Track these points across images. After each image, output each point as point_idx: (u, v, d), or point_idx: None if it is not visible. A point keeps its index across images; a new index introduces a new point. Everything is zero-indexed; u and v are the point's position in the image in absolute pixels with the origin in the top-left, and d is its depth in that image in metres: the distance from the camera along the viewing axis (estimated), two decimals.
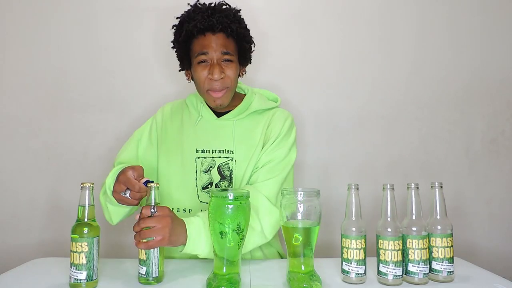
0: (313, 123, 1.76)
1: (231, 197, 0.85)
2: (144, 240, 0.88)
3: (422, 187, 0.98)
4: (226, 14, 1.12)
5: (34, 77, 1.71)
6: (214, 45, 1.11)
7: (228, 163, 1.17)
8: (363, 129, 1.78)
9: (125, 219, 1.16)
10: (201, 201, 1.18)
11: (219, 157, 1.18)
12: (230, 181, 1.17)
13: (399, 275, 0.91)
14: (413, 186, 0.96)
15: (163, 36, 1.74)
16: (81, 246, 0.85)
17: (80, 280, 0.85)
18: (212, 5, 1.16)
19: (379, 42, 1.80)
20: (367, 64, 1.79)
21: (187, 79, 1.25)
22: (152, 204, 0.91)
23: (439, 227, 0.95)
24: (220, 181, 1.18)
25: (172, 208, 1.17)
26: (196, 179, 1.18)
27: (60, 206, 1.68)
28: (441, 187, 0.98)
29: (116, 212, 1.10)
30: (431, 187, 0.98)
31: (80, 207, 0.88)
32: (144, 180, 0.95)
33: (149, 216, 0.90)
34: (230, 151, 1.18)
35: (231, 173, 1.17)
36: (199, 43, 1.13)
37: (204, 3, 1.17)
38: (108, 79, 1.73)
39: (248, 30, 1.20)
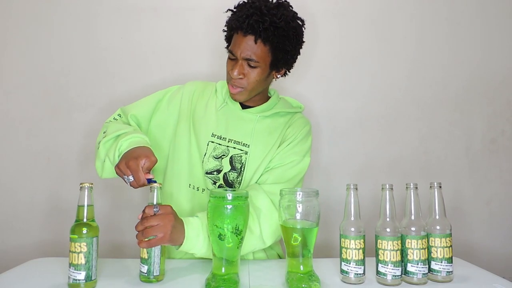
0: (313, 123, 1.75)
1: (230, 198, 0.85)
2: (146, 239, 0.88)
3: (421, 187, 0.98)
4: (264, 19, 1.04)
5: (34, 77, 1.71)
6: (240, 47, 1.08)
7: (241, 156, 1.17)
8: (363, 129, 1.78)
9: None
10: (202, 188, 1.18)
11: (234, 147, 1.17)
12: (239, 174, 1.17)
13: (398, 275, 0.91)
14: (412, 186, 0.95)
15: (163, 36, 1.75)
16: (80, 246, 0.85)
17: (79, 280, 0.85)
18: (262, 4, 1.07)
19: (379, 42, 1.80)
20: (367, 64, 1.79)
21: None
22: (154, 203, 0.92)
23: (438, 227, 0.95)
24: (229, 171, 1.17)
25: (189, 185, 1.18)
26: (202, 162, 1.17)
27: (59, 206, 1.68)
28: (440, 187, 0.98)
29: (110, 172, 1.10)
30: (430, 187, 0.98)
31: (79, 207, 0.88)
32: (149, 176, 0.95)
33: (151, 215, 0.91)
34: (247, 144, 1.17)
35: (242, 166, 1.17)
36: (233, 38, 1.12)
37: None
38: (108, 79, 1.73)
39: (290, 40, 1.10)
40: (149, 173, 0.96)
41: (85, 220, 0.87)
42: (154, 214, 0.91)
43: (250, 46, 1.07)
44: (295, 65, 1.22)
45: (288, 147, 1.18)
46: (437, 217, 0.97)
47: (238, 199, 0.86)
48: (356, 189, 0.94)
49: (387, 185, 0.94)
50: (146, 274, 0.91)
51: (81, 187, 0.88)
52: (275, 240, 1.10)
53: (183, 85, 1.28)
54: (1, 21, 1.71)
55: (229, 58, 1.13)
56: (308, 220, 0.88)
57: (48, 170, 1.69)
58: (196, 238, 0.96)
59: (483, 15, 1.82)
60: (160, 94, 1.27)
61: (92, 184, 0.89)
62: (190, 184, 1.18)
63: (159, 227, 0.89)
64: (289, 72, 1.22)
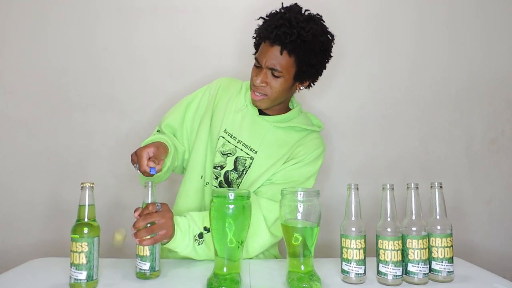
0: None
1: (232, 197, 0.85)
2: (148, 237, 0.90)
3: (422, 187, 0.98)
4: (292, 32, 1.05)
5: (34, 77, 1.71)
6: (266, 56, 1.10)
7: (246, 160, 1.19)
8: (363, 129, 1.78)
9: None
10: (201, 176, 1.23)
11: (242, 150, 1.19)
12: (240, 176, 1.19)
13: (398, 275, 0.91)
14: (413, 186, 0.96)
15: (163, 36, 1.75)
16: (81, 246, 0.85)
17: (80, 280, 0.85)
18: (292, 16, 1.08)
19: (379, 42, 1.80)
20: (367, 64, 1.79)
21: None
22: (150, 201, 0.95)
23: (438, 227, 0.95)
24: (231, 170, 1.19)
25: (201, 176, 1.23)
26: (215, 155, 1.20)
27: (59, 206, 1.68)
28: (441, 187, 0.98)
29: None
30: (431, 187, 0.99)
31: (80, 206, 0.88)
32: (152, 165, 0.98)
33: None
34: (254, 150, 1.18)
35: (244, 169, 1.18)
36: (261, 46, 1.14)
37: (296, 6, 1.13)
38: (107, 79, 1.73)
39: (317, 54, 1.10)
40: (157, 164, 0.99)
41: (86, 219, 0.87)
42: (157, 211, 0.93)
43: (275, 56, 1.08)
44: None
45: (295, 166, 1.17)
46: (438, 217, 0.97)
47: (241, 199, 0.86)
48: (357, 189, 0.94)
49: (388, 185, 0.94)
50: (148, 271, 0.92)
51: (82, 187, 0.88)
52: (258, 253, 1.13)
53: (209, 85, 1.31)
54: (1, 21, 1.71)
55: (255, 65, 1.15)
56: (309, 220, 0.88)
57: (48, 170, 1.69)
58: (182, 239, 1.00)
59: (483, 15, 1.83)
60: (188, 98, 1.30)
61: (93, 183, 0.89)
62: (202, 176, 1.22)
63: (163, 223, 0.93)
64: (313, 84, 1.22)
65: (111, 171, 1.70)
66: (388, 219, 0.93)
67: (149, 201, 0.95)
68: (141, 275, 0.93)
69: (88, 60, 1.73)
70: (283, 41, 1.06)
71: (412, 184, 0.95)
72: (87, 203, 0.88)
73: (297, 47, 1.06)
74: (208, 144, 1.22)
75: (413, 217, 0.94)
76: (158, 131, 1.27)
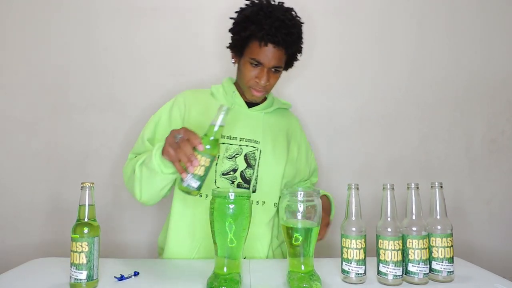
0: (313, 123, 1.76)
1: (232, 197, 0.85)
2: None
3: (422, 187, 0.98)
4: (291, 32, 1.14)
5: (34, 77, 1.71)
6: (270, 57, 1.15)
7: (255, 153, 1.21)
8: (363, 129, 1.78)
9: (155, 198, 1.12)
10: (217, 187, 1.17)
11: (247, 145, 1.21)
12: (254, 169, 1.20)
13: (399, 275, 0.91)
14: (413, 186, 0.96)
15: (163, 36, 1.75)
16: (81, 246, 0.85)
17: (81, 280, 0.85)
18: (281, 14, 1.13)
19: (379, 42, 1.80)
20: (367, 64, 1.79)
21: (233, 62, 1.27)
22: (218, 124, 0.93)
23: (439, 227, 0.95)
24: (246, 168, 1.20)
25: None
26: (216, 164, 1.18)
27: (59, 206, 1.68)
28: (441, 187, 0.98)
29: (149, 185, 1.06)
30: (431, 187, 0.98)
31: (80, 206, 0.88)
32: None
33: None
34: (257, 141, 1.22)
35: (256, 162, 1.21)
36: (257, 49, 1.14)
37: (273, 3, 1.18)
38: (108, 79, 1.73)
39: (301, 43, 1.22)
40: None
41: (86, 219, 0.87)
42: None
43: (279, 56, 1.16)
44: (295, 65, 1.30)
45: (308, 154, 1.39)
46: (438, 217, 0.97)
47: (241, 199, 0.86)
48: (357, 188, 0.94)
49: (388, 184, 0.94)
50: (196, 189, 0.91)
51: (82, 187, 0.88)
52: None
53: (174, 99, 1.28)
54: (1, 21, 1.71)
55: (251, 64, 1.17)
56: (309, 220, 0.88)
57: (48, 170, 1.69)
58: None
59: (483, 15, 1.83)
60: (154, 117, 1.25)
61: (93, 183, 0.89)
62: (206, 195, 1.17)
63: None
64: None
65: (111, 171, 1.70)
66: (389, 219, 0.93)
67: (217, 124, 0.92)
68: (193, 192, 0.91)
69: (88, 60, 1.73)
70: (288, 43, 1.14)
71: (413, 184, 0.95)
72: (87, 203, 0.88)
73: (296, 46, 1.19)
74: None
75: (413, 217, 0.94)
76: (135, 156, 1.21)
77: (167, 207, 1.25)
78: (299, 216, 0.88)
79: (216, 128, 0.92)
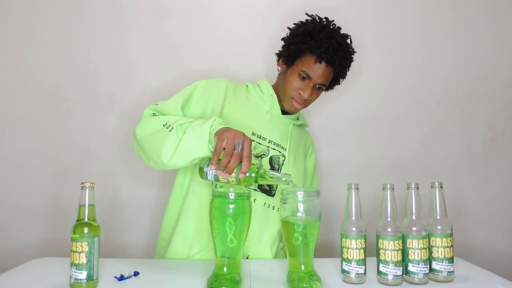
0: (314, 123, 1.76)
1: (232, 197, 0.85)
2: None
3: (422, 187, 0.98)
4: (346, 57, 1.21)
5: (34, 77, 1.71)
6: (320, 74, 1.19)
7: (279, 158, 1.23)
8: (363, 129, 1.78)
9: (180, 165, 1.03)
10: None
11: (274, 149, 1.22)
12: None
13: (399, 275, 0.91)
14: (413, 186, 0.96)
15: (163, 36, 1.75)
16: (81, 245, 0.85)
17: (81, 280, 0.85)
18: (340, 38, 1.20)
19: (380, 42, 1.80)
20: (367, 64, 1.79)
21: (278, 68, 1.29)
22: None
23: (439, 227, 0.95)
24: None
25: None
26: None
27: (59, 206, 1.68)
28: (441, 187, 0.98)
29: (183, 156, 0.98)
30: (431, 187, 0.99)
31: (80, 206, 0.88)
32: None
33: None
34: (284, 148, 1.24)
35: (279, 168, 1.22)
36: (311, 64, 1.18)
37: (333, 26, 1.23)
38: (108, 79, 1.73)
39: (349, 66, 1.27)
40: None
41: (86, 219, 0.87)
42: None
43: (328, 75, 1.21)
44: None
45: (314, 174, 1.44)
46: (438, 217, 0.97)
47: (241, 199, 0.86)
48: (358, 188, 0.94)
49: (388, 184, 0.94)
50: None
51: (82, 187, 0.88)
52: None
53: (215, 81, 1.24)
54: (1, 21, 1.71)
55: (300, 76, 1.20)
56: (310, 220, 0.88)
57: (48, 170, 1.69)
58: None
59: (484, 15, 1.83)
60: (189, 89, 1.20)
61: (93, 183, 0.89)
62: (216, 184, 1.15)
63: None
64: None
65: (111, 171, 1.70)
66: (389, 219, 0.93)
67: (268, 175, 0.93)
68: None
69: (88, 60, 1.73)
70: (341, 67, 1.21)
71: (413, 184, 0.95)
72: (87, 203, 0.88)
73: (346, 69, 1.26)
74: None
75: (414, 217, 0.94)
76: (154, 114, 1.16)
77: (164, 207, 1.26)
78: (299, 215, 0.88)
79: (265, 176, 0.93)
